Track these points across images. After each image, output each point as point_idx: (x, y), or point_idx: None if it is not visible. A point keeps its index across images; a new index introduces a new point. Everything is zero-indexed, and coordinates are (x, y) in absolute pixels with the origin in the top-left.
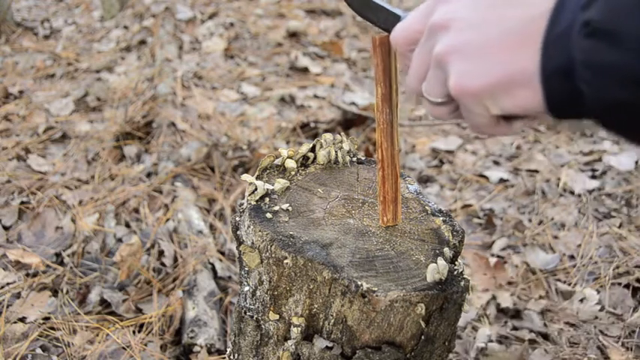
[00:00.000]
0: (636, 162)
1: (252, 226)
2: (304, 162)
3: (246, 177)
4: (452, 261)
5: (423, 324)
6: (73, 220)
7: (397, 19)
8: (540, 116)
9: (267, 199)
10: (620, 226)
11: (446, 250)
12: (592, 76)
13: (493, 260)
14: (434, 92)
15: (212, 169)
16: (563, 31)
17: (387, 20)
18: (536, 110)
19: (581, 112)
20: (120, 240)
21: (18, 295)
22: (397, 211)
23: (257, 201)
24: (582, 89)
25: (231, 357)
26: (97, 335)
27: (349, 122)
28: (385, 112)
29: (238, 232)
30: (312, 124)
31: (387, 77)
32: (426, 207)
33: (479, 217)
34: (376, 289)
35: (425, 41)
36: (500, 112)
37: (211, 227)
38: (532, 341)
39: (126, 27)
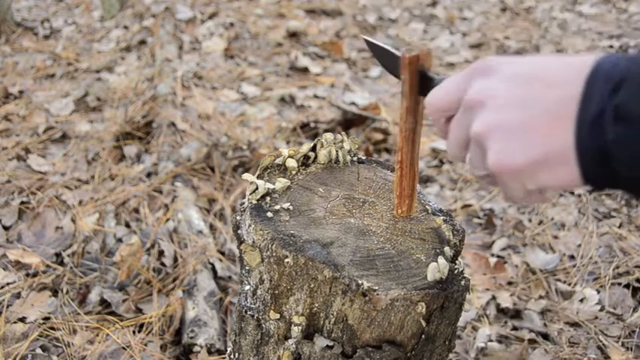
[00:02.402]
0: None
1: (253, 225)
2: (305, 161)
3: (247, 176)
4: (452, 260)
5: (423, 323)
6: (73, 220)
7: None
8: (575, 186)
9: (268, 199)
10: (620, 226)
11: (446, 249)
12: (626, 158)
13: (493, 260)
14: (476, 166)
15: (212, 169)
16: (596, 114)
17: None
18: (572, 185)
19: (616, 187)
20: (120, 240)
21: (18, 295)
22: (412, 204)
23: (258, 200)
24: (617, 169)
25: (232, 356)
26: (97, 335)
27: (349, 122)
28: (409, 121)
29: (239, 231)
30: (312, 124)
31: (414, 93)
32: (427, 206)
33: (479, 217)
34: (377, 287)
35: (462, 114)
36: (536, 187)
37: (211, 227)
38: (532, 341)
39: (126, 27)
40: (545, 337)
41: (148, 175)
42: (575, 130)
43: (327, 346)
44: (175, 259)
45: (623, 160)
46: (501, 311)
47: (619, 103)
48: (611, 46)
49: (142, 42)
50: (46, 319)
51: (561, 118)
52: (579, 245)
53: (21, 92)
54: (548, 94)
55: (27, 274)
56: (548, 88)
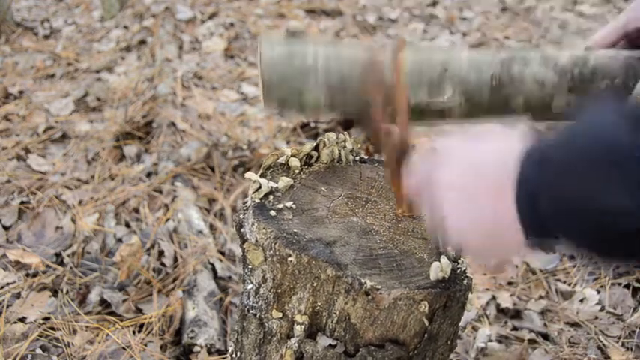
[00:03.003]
0: None
1: (256, 224)
2: (308, 161)
3: (250, 175)
4: (455, 259)
5: (426, 322)
6: (73, 220)
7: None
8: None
9: (271, 197)
10: None
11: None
12: (558, 217)
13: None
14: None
15: (212, 169)
16: (530, 182)
17: None
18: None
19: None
20: (120, 240)
21: (18, 295)
22: (411, 204)
23: (261, 199)
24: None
25: (234, 355)
26: (97, 335)
27: (349, 122)
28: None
29: (242, 230)
30: (313, 124)
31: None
32: None
33: None
34: (380, 286)
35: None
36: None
37: (211, 227)
38: (532, 341)
39: (126, 27)
40: (545, 337)
41: (148, 175)
42: (515, 194)
43: (330, 344)
44: (175, 259)
45: (554, 218)
46: (501, 311)
47: (541, 175)
48: None
49: (142, 42)
50: (46, 319)
51: (503, 187)
52: None
53: (21, 92)
54: (490, 173)
55: (27, 274)
56: (490, 168)
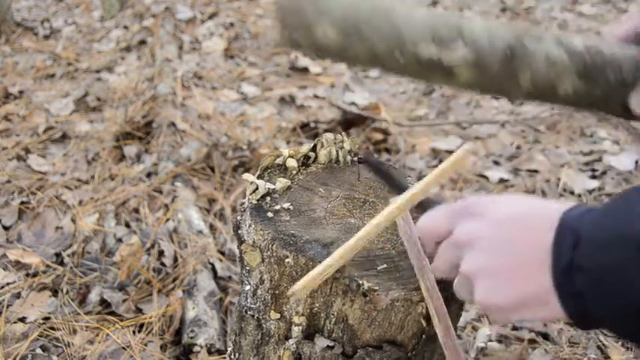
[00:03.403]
0: (636, 162)
1: (253, 225)
2: (305, 161)
3: (247, 176)
4: None
5: (424, 323)
6: (73, 220)
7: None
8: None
9: (268, 199)
10: None
11: None
12: (595, 302)
13: None
14: (461, 295)
15: (212, 169)
16: (566, 264)
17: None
18: (556, 319)
19: (600, 327)
20: (120, 240)
21: (18, 295)
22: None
23: (258, 200)
24: (591, 311)
25: (232, 356)
26: (97, 335)
27: (349, 122)
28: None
29: (239, 231)
30: (312, 124)
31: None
32: None
33: None
34: (377, 288)
35: (451, 248)
36: (520, 320)
37: (211, 227)
38: (532, 341)
39: (126, 27)
40: (545, 337)
41: (148, 175)
42: (552, 276)
43: (328, 346)
44: (175, 259)
45: (594, 304)
46: None
47: (577, 257)
48: None
49: (142, 42)
50: (46, 319)
51: (538, 264)
52: None
53: (21, 92)
54: (526, 241)
55: (27, 274)
56: (526, 231)
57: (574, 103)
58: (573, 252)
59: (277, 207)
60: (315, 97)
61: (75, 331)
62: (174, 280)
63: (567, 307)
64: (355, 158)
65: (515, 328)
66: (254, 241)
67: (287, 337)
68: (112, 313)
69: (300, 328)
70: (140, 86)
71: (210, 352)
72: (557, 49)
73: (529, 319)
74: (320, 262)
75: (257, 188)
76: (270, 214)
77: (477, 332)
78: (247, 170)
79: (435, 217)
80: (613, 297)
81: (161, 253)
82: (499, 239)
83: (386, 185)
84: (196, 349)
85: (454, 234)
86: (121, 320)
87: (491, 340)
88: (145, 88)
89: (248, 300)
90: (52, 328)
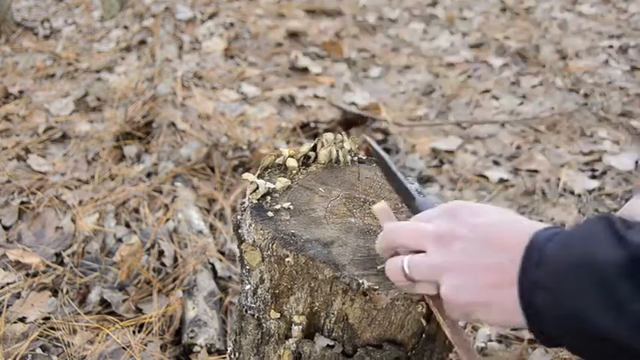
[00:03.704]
0: (636, 162)
1: (253, 225)
2: (305, 161)
3: (247, 176)
4: None
5: (424, 322)
6: (73, 220)
7: (411, 199)
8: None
9: (268, 198)
10: None
11: None
12: (550, 320)
13: None
14: (418, 281)
15: (212, 169)
16: (530, 281)
17: (403, 195)
18: (512, 325)
19: (558, 345)
20: (120, 240)
21: (18, 295)
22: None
23: (258, 199)
24: (548, 329)
25: (232, 356)
26: (97, 335)
27: (349, 122)
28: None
29: (240, 231)
30: (312, 124)
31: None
32: None
33: None
34: (377, 287)
35: (425, 238)
36: (475, 320)
37: (211, 227)
38: (532, 341)
39: (126, 27)
40: None
41: (148, 175)
42: (518, 289)
43: (328, 345)
44: (175, 259)
45: (552, 324)
46: None
47: (541, 275)
48: (611, 46)
49: (142, 42)
50: (46, 319)
51: (509, 275)
52: None
53: (21, 92)
54: (499, 250)
55: (27, 274)
56: (501, 244)
57: None
58: (537, 269)
59: (277, 206)
60: (315, 97)
61: (75, 331)
62: (174, 280)
63: (529, 321)
64: (355, 157)
65: (515, 328)
66: (254, 241)
67: (287, 337)
68: (112, 313)
69: (300, 327)
70: (140, 86)
71: (210, 352)
72: None
73: (485, 321)
74: (321, 260)
75: (257, 188)
76: (270, 214)
77: (477, 332)
78: (247, 170)
79: (407, 227)
80: (569, 320)
81: (161, 253)
82: (476, 241)
83: (386, 177)
84: (196, 349)
85: (433, 226)
86: (121, 320)
87: (491, 340)
88: (145, 88)
89: (248, 299)
90: (52, 328)
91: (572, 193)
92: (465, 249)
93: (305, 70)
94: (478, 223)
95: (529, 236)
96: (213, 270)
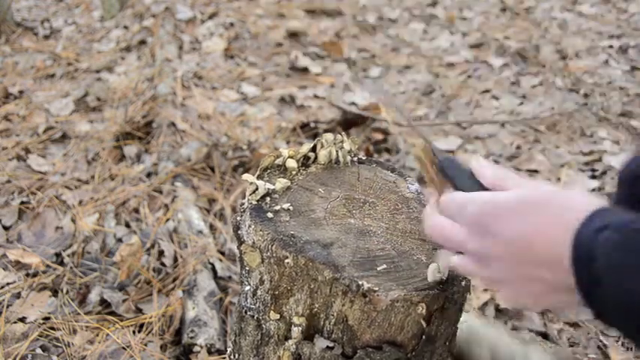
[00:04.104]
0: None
1: (253, 226)
2: (305, 162)
3: (247, 177)
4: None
5: (424, 324)
6: (73, 220)
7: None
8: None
9: (268, 199)
10: None
11: None
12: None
13: None
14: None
15: (212, 169)
16: (589, 277)
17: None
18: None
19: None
20: (120, 240)
21: (18, 295)
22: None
23: (258, 200)
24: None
25: (232, 357)
26: (97, 335)
27: (349, 122)
28: None
29: (239, 232)
30: (312, 124)
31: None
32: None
33: None
34: (377, 288)
35: (472, 259)
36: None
37: (211, 227)
38: (532, 341)
39: (126, 27)
40: (545, 337)
41: (148, 175)
42: (578, 289)
43: (328, 346)
44: (175, 259)
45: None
46: (501, 311)
47: (595, 272)
48: (611, 46)
49: (142, 42)
50: (46, 319)
51: (553, 283)
52: None
53: (21, 92)
54: (539, 267)
55: (27, 274)
56: (537, 262)
57: None
58: (590, 266)
59: (277, 207)
60: (315, 97)
61: (75, 331)
62: (174, 280)
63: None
64: (355, 158)
65: (515, 328)
66: (254, 242)
67: (287, 338)
68: (112, 313)
69: (300, 328)
70: (140, 86)
71: (210, 352)
72: None
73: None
74: (320, 262)
75: (257, 189)
76: (269, 215)
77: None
78: (247, 170)
79: (445, 226)
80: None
81: (161, 253)
82: (513, 258)
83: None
84: (196, 349)
85: (470, 246)
86: (121, 320)
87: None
88: (145, 88)
89: (248, 300)
90: (52, 328)
91: None
92: (506, 268)
93: (305, 70)
94: (510, 237)
95: (572, 240)
96: (213, 270)
